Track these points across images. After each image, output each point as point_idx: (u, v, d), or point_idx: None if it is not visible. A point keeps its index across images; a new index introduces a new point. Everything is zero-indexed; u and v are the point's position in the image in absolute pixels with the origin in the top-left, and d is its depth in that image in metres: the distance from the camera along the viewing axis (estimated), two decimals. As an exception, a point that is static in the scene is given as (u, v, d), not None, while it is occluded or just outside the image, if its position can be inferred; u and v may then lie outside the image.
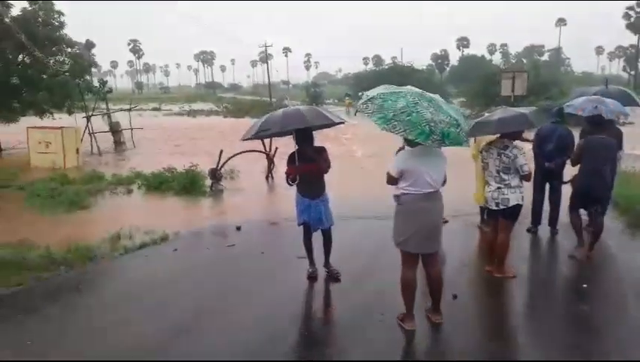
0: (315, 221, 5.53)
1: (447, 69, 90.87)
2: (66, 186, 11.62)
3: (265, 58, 77.80)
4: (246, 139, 5.58)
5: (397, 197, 4.35)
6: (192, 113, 43.78)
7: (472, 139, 6.33)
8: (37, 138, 16.52)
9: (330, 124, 5.72)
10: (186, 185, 11.25)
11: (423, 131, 3.88)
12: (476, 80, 37.50)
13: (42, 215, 9.39)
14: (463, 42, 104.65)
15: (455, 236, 7.16)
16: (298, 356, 4.21)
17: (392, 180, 4.34)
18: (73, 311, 5.16)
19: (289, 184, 5.55)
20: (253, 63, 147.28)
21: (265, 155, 13.01)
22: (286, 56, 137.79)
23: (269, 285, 5.67)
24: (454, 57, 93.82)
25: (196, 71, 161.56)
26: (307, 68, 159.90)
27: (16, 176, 13.42)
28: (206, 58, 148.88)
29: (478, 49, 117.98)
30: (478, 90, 34.78)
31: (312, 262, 5.84)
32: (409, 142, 4.34)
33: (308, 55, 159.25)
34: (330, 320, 4.93)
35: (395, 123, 3.92)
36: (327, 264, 5.80)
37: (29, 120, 20.77)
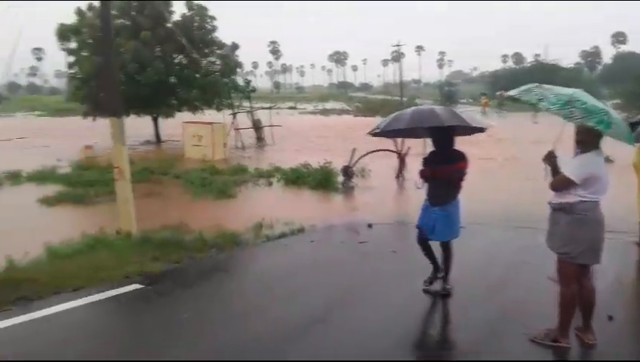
0: (427, 228, 5.12)
1: (599, 67, 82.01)
2: (215, 176, 12.83)
3: (397, 57, 77.32)
4: (374, 135, 5.42)
5: (571, 205, 3.93)
6: (325, 112, 45.28)
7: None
8: (191, 132, 18.42)
9: (470, 129, 5.20)
10: (321, 180, 11.72)
11: (602, 120, 3.55)
12: (634, 80, 33.43)
13: (195, 201, 10.46)
14: (618, 38, 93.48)
15: (611, 253, 6.46)
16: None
17: (568, 186, 3.92)
18: (222, 290, 5.67)
19: (416, 186, 5.26)
20: (384, 62, 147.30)
21: (396, 155, 12.99)
22: (419, 54, 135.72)
23: (400, 284, 5.66)
24: (607, 55, 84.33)
25: (329, 71, 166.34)
26: (440, 66, 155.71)
27: (173, 166, 15.11)
28: (339, 58, 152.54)
29: (637, 45, 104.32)
30: (636, 91, 30.96)
31: (435, 268, 5.35)
32: (583, 143, 3.93)
33: (442, 53, 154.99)
34: (466, 326, 4.75)
35: (572, 109, 3.59)
36: (444, 280, 5.27)
37: (183, 115, 23.19)
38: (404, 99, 54.25)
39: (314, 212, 9.40)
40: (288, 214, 8.60)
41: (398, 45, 64.69)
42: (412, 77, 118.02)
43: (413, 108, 5.49)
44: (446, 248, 5.24)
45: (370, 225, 8.19)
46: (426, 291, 5.28)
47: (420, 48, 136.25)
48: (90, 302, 4.98)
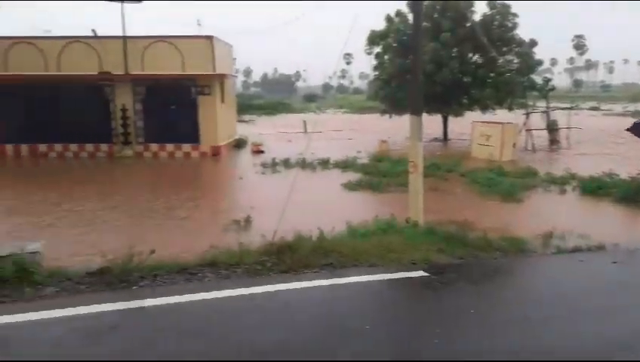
0: None
1: None
2: (501, 178, 12.39)
3: None
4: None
5: None
6: (637, 114, 38.15)
7: None
8: (480, 131, 18.20)
9: None
10: (630, 194, 10.00)
11: None
12: None
13: (480, 200, 10.35)
14: None
15: None
16: None
17: None
18: (506, 294, 5.49)
19: None
20: None
21: None
22: None
23: None
24: None
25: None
26: None
27: (458, 164, 15.25)
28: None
29: None
30: None
31: None
32: None
33: None
34: None
35: None
36: None
37: (472, 115, 23.05)
38: None
39: (618, 229, 8.12)
40: (583, 227, 7.68)
41: None
42: None
43: None
44: None
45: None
46: None
47: None
48: (383, 279, 5.53)
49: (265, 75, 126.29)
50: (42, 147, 18.91)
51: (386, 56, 23.89)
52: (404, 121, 26.78)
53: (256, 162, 17.20)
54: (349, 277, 5.52)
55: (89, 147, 19.02)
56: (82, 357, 3.80)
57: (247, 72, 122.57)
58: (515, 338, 4.29)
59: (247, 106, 40.22)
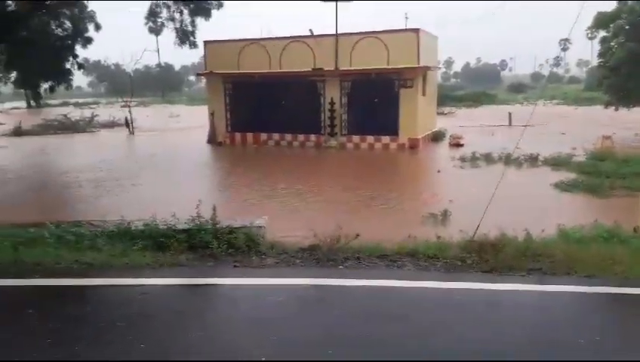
0: None
1: None
2: None
3: None
4: None
5: None
6: None
7: None
8: None
9: None
10: None
11: None
12: None
13: None
14: None
15: None
16: None
17: None
18: None
19: None
20: None
21: None
22: None
23: None
24: None
25: None
26: None
27: None
28: None
29: None
30: None
31: None
32: None
33: None
34: None
35: None
36: None
37: None
38: None
39: None
40: None
41: None
42: None
43: None
44: None
45: None
46: None
47: None
48: (605, 293, 4.90)
49: (467, 65, 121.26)
50: (263, 136, 21.57)
51: (613, 42, 20.79)
52: (636, 114, 23.11)
53: (455, 156, 16.76)
54: (561, 285, 5.03)
55: (300, 137, 21.00)
56: (299, 323, 4.28)
57: (448, 63, 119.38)
58: None
59: (446, 98, 39.25)
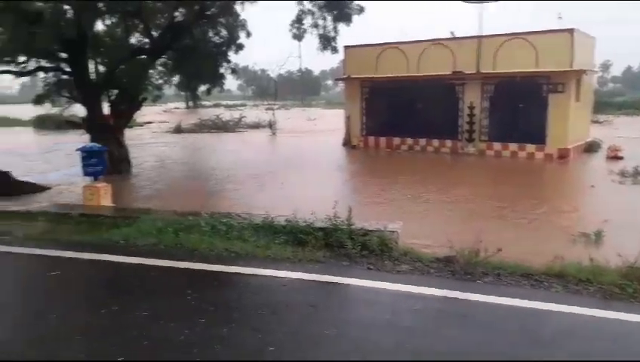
0: None
1: None
2: None
3: None
4: None
5: None
6: None
7: None
8: None
9: None
10: None
11: None
12: None
13: None
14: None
15: None
16: None
17: None
18: None
19: None
20: None
21: None
22: None
23: None
24: None
25: None
26: None
27: None
28: None
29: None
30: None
31: None
32: None
33: None
34: None
35: None
36: None
37: None
38: None
39: None
40: None
41: None
42: None
43: None
44: None
45: None
46: None
47: None
48: None
49: (628, 69, 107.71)
50: (396, 140, 21.44)
51: None
52: None
53: (613, 169, 14.97)
54: None
55: (435, 142, 20.46)
56: (435, 335, 4.18)
57: (605, 66, 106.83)
58: None
59: (602, 105, 35.20)
